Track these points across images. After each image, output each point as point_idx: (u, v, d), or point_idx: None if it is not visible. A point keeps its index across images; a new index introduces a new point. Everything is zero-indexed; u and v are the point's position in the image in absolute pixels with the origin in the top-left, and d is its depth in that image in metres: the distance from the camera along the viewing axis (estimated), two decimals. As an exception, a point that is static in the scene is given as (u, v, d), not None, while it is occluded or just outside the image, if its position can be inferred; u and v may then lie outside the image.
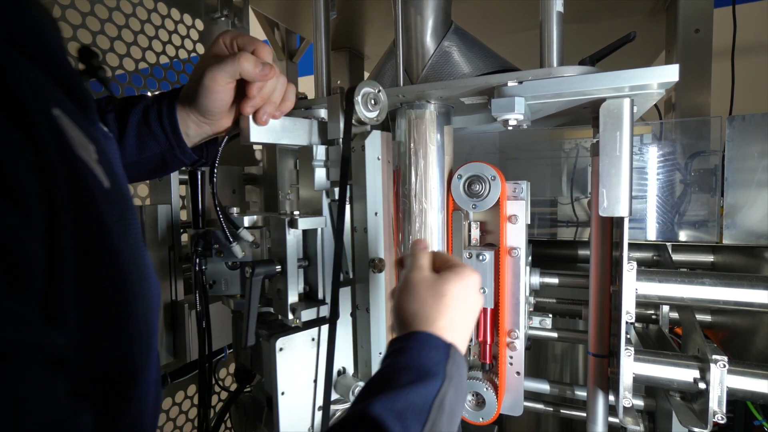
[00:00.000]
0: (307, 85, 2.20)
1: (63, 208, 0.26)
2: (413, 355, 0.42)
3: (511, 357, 0.84)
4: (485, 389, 0.84)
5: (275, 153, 1.04)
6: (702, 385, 0.72)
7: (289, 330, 0.69)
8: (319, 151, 0.74)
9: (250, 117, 0.61)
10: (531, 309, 0.94)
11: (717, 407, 0.71)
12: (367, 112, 0.72)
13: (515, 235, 0.83)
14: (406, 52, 0.85)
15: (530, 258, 0.94)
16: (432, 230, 0.84)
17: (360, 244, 0.76)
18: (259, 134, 0.62)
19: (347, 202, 0.74)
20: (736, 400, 0.95)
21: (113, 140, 0.43)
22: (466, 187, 0.82)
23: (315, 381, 0.71)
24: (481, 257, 0.81)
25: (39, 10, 0.31)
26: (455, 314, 0.47)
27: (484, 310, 0.84)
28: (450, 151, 0.87)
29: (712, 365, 0.71)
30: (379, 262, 0.74)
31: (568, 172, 1.34)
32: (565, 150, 1.35)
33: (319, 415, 0.71)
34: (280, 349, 0.66)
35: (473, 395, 0.86)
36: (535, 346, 1.42)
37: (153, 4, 1.12)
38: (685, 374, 0.75)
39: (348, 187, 0.73)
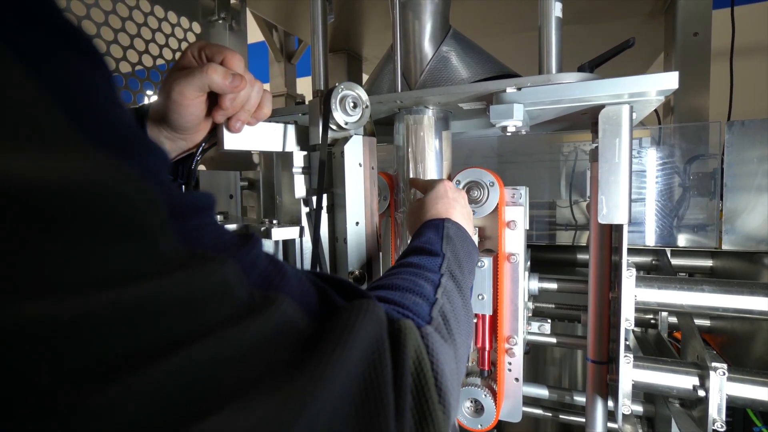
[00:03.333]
0: (306, 86, 2.20)
1: None
2: (422, 228, 0.62)
3: (510, 363, 0.84)
4: (484, 396, 0.83)
5: (272, 157, 1.04)
6: (701, 393, 0.72)
7: None
8: (298, 158, 0.71)
9: (223, 125, 0.59)
10: (530, 314, 0.93)
11: (717, 415, 0.70)
12: (345, 116, 0.69)
13: (514, 241, 0.82)
14: (404, 57, 0.85)
15: (529, 263, 0.94)
16: (430, 236, 0.83)
17: (341, 255, 0.72)
18: (233, 142, 0.60)
19: (327, 212, 0.72)
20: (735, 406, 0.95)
21: None
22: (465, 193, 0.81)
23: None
24: (479, 263, 0.80)
25: None
26: (436, 207, 0.66)
27: (483, 316, 0.84)
28: (448, 157, 0.87)
29: (711, 373, 0.70)
30: (360, 275, 0.70)
31: (566, 175, 1.34)
32: (563, 153, 1.35)
33: None
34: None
35: (472, 402, 0.85)
36: (533, 349, 1.42)
37: (150, 8, 1.11)
38: (685, 381, 0.75)
39: (328, 195, 0.72)
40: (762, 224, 0.92)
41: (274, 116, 0.76)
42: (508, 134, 0.71)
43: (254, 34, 1.58)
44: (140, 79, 1.11)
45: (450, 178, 0.85)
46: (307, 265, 0.72)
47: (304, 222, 0.72)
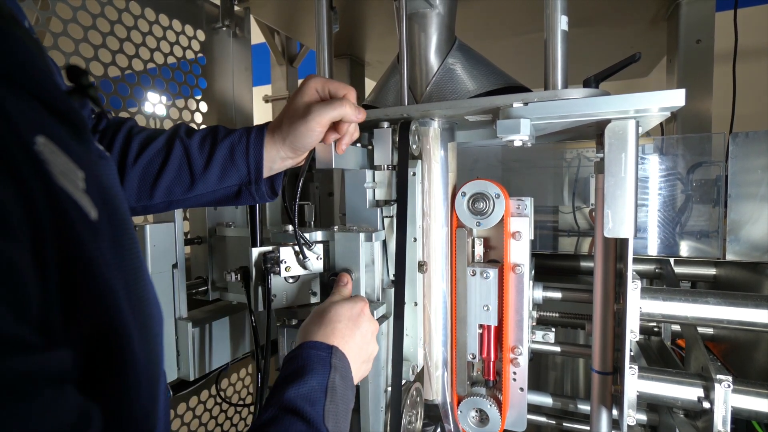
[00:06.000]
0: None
1: (47, 241, 0.26)
2: (305, 356, 0.55)
3: (515, 373, 0.84)
4: (489, 406, 0.84)
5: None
6: (706, 404, 0.73)
7: None
8: (369, 175, 0.83)
9: (333, 146, 0.70)
10: (534, 323, 0.94)
11: (721, 426, 0.71)
12: (414, 145, 0.80)
13: (519, 252, 0.83)
14: (410, 70, 0.85)
15: (533, 272, 0.94)
16: (435, 246, 0.84)
17: (409, 251, 0.84)
18: (338, 161, 0.72)
19: (394, 218, 0.83)
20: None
21: (109, 160, 0.42)
22: (470, 205, 0.82)
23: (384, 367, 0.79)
24: (485, 275, 0.81)
25: (19, 31, 0.30)
26: (336, 326, 0.60)
27: (488, 326, 0.84)
28: (454, 168, 0.87)
29: (716, 385, 0.71)
30: (425, 264, 0.85)
31: (569, 182, 1.34)
32: (566, 159, 1.35)
33: (388, 392, 0.79)
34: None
35: (477, 411, 0.86)
36: (534, 355, 1.42)
37: (155, 16, 1.11)
38: (690, 393, 0.75)
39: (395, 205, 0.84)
40: (766, 234, 0.92)
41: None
42: (513, 147, 0.72)
43: (255, 35, 1.58)
44: (145, 88, 1.11)
45: (456, 188, 0.85)
46: (380, 261, 0.82)
47: (380, 226, 0.83)
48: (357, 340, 0.61)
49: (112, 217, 0.34)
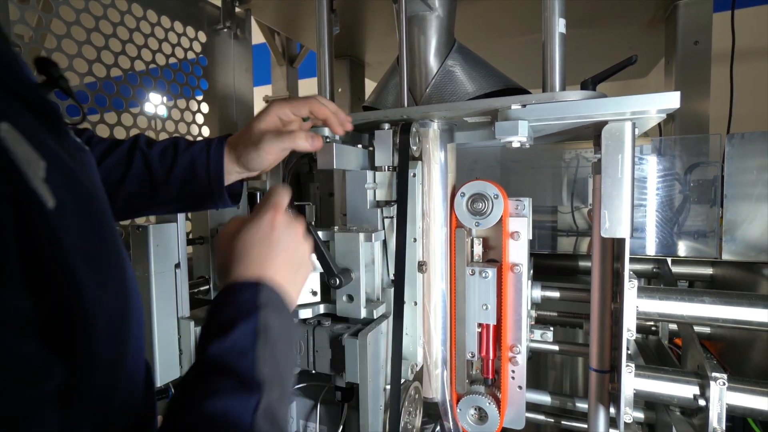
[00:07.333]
0: (306, 87, 2.19)
1: (6, 225, 0.27)
2: (229, 301, 0.46)
3: (513, 371, 0.85)
4: (488, 404, 0.85)
5: (279, 166, 1.05)
6: (702, 402, 0.74)
7: (365, 328, 0.79)
8: (370, 176, 0.85)
9: (334, 147, 0.72)
10: (532, 322, 0.95)
11: (717, 423, 0.72)
12: (414, 146, 0.82)
13: (517, 252, 0.84)
14: (410, 72, 0.86)
15: (532, 272, 0.95)
16: (435, 246, 0.85)
17: (409, 251, 0.85)
18: (338, 162, 0.74)
19: (394, 218, 0.84)
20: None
21: (87, 153, 0.42)
22: (469, 205, 0.82)
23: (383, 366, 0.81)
24: (484, 274, 0.82)
25: None
26: (250, 254, 0.49)
27: (487, 325, 0.85)
28: (453, 169, 0.88)
29: (711, 383, 0.72)
30: (425, 264, 0.86)
31: (568, 182, 1.35)
32: (565, 160, 1.36)
33: (387, 390, 0.81)
34: (369, 344, 0.76)
35: (475, 409, 0.87)
36: (534, 354, 1.43)
37: (156, 18, 1.12)
38: (685, 390, 0.76)
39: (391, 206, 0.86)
40: (762, 234, 0.93)
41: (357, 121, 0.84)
42: (512, 147, 0.73)
43: (255, 35, 1.59)
44: (146, 89, 1.12)
45: (455, 189, 0.86)
46: (381, 261, 0.85)
47: (380, 226, 0.85)
48: (280, 255, 0.51)
49: (82, 207, 0.34)
